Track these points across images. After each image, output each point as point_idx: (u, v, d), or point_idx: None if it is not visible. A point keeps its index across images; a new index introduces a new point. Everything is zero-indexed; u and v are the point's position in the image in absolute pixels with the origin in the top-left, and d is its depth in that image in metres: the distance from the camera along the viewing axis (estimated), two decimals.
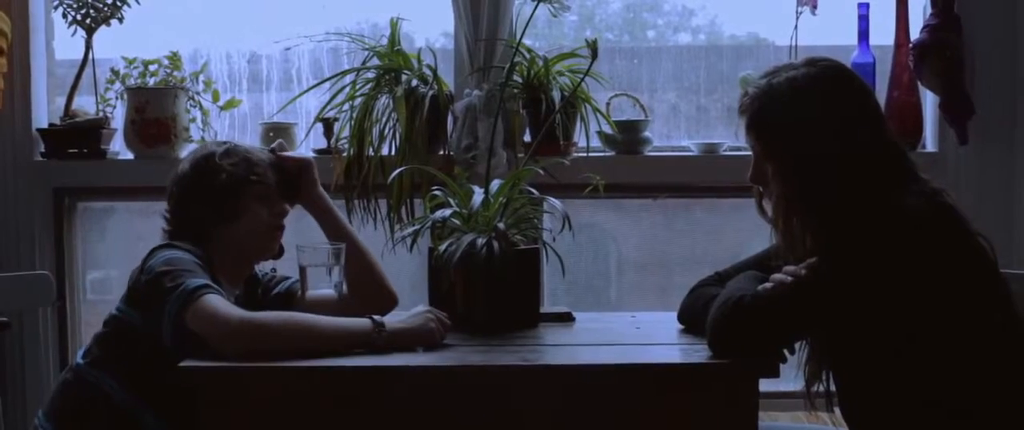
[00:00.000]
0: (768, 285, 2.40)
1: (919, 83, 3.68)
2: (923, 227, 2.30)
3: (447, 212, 2.77)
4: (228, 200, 2.72)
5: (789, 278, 2.36)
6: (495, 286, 2.65)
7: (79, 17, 3.74)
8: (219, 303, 2.44)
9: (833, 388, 2.54)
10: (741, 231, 3.82)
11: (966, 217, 2.38)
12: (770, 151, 2.46)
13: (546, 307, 3.06)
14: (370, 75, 3.57)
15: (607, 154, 3.75)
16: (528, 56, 3.56)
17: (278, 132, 3.71)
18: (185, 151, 3.74)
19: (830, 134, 2.40)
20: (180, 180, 2.77)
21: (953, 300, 2.31)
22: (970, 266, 2.34)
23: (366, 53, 3.59)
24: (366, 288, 2.83)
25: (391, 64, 3.56)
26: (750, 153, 2.54)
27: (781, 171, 2.44)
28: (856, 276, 2.30)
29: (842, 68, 2.49)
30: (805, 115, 2.42)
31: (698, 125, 4.00)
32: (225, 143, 2.83)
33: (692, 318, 2.69)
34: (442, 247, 2.66)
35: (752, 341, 2.39)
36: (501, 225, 2.69)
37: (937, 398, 2.32)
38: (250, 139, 3.84)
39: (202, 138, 3.76)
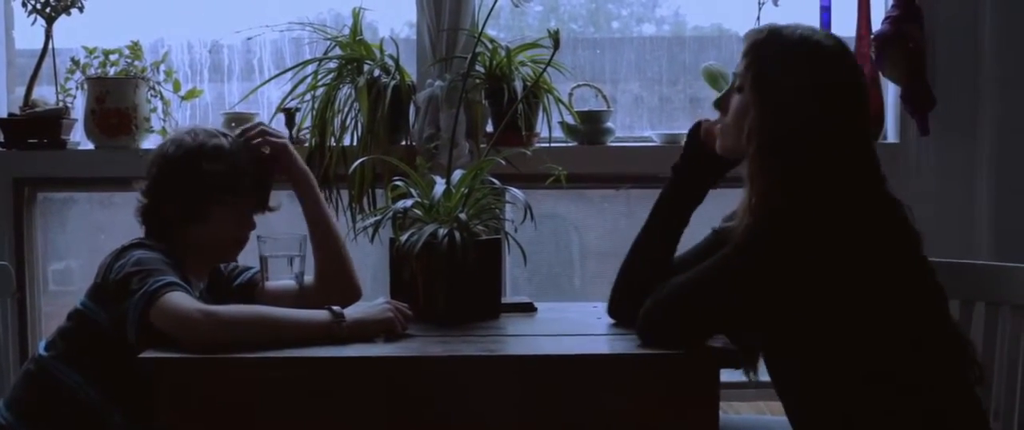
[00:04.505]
0: (688, 275, 2.40)
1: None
2: (851, 220, 2.31)
3: (409, 202, 2.76)
4: (199, 203, 2.70)
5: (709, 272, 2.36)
6: (457, 276, 2.64)
7: (39, 6, 3.71)
8: (181, 299, 2.44)
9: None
10: (703, 221, 3.83)
11: (907, 214, 2.39)
12: (757, 86, 2.40)
13: (508, 297, 3.05)
14: (332, 65, 3.56)
15: (569, 144, 3.75)
16: (491, 46, 3.55)
17: (240, 122, 3.69)
18: (146, 142, 3.73)
19: (820, 99, 2.36)
20: (162, 165, 2.73)
21: (878, 292, 2.30)
22: (896, 256, 2.35)
23: (328, 43, 3.58)
24: (333, 276, 2.82)
25: (353, 54, 3.55)
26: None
27: (760, 114, 2.39)
28: (772, 275, 2.30)
29: (850, 51, 2.47)
30: (805, 69, 2.38)
31: (661, 116, 4.00)
32: (217, 134, 2.76)
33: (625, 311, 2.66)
34: (403, 237, 2.65)
35: (676, 334, 2.41)
36: (463, 215, 2.69)
37: (866, 397, 2.31)
38: None
39: (163, 128, 3.74)
